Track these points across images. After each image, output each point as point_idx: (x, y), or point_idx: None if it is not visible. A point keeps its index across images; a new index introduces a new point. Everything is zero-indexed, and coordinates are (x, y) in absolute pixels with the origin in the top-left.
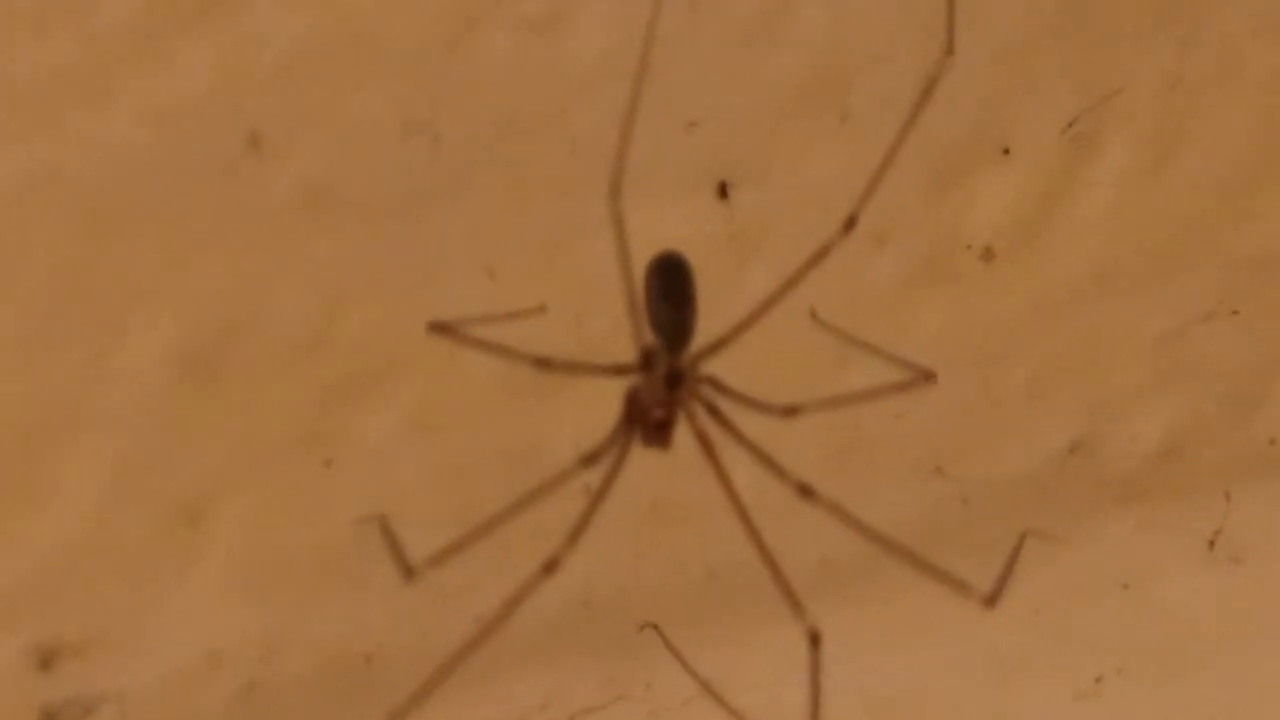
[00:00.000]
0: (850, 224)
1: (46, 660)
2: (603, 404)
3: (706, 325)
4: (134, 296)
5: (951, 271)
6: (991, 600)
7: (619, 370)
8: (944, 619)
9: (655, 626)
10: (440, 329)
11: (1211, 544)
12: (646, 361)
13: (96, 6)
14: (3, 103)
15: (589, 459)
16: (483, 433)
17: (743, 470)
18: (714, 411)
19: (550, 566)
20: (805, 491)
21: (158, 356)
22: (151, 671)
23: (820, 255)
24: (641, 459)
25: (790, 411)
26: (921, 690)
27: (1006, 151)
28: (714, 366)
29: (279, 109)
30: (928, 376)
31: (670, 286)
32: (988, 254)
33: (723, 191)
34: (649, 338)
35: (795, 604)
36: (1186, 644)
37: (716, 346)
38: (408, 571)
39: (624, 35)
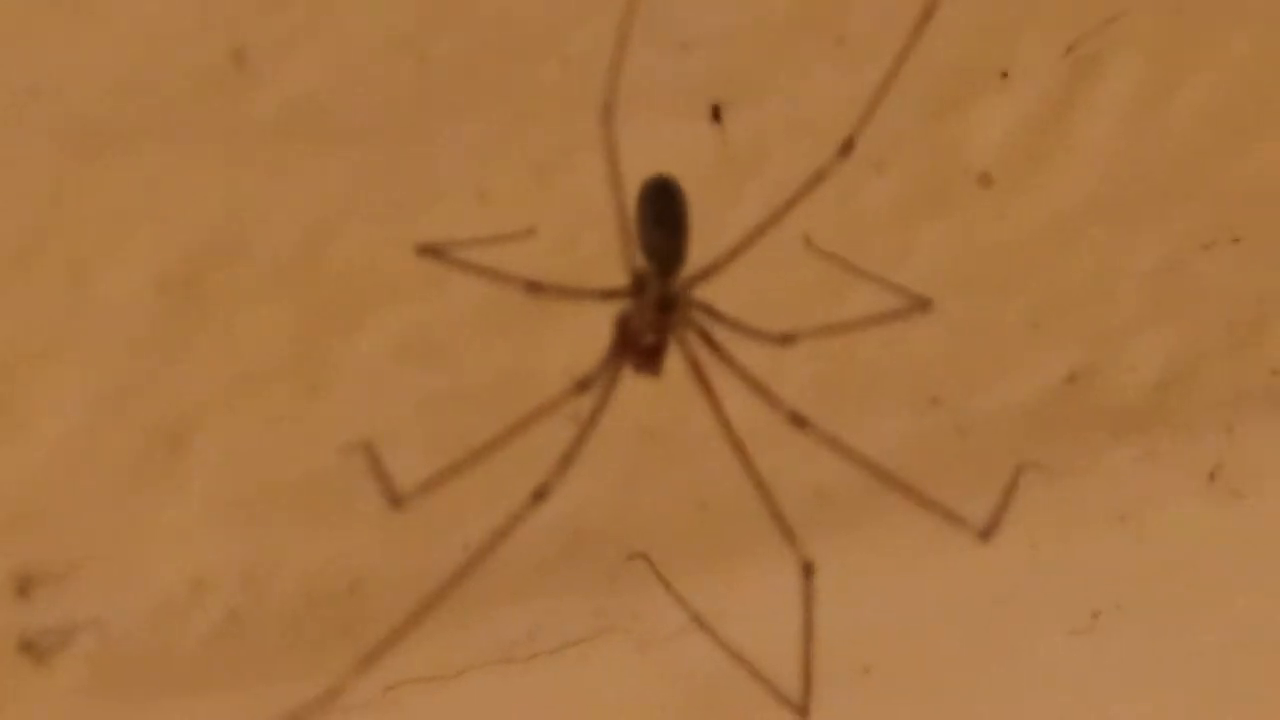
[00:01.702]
0: (847, 148)
1: (24, 587)
2: (594, 329)
3: (699, 250)
4: (116, 218)
5: (949, 198)
6: (987, 533)
7: (610, 295)
8: (939, 551)
9: (645, 556)
10: (429, 251)
11: (1212, 477)
12: (638, 286)
13: None
14: None
15: (580, 385)
16: (472, 358)
17: (735, 398)
18: (706, 338)
19: (540, 494)
20: (799, 421)
21: (140, 280)
22: (132, 600)
23: (816, 180)
24: (632, 386)
25: (785, 339)
26: (915, 623)
27: (1005, 75)
28: (707, 292)
29: (263, 25)
30: (924, 304)
31: (663, 210)
32: (986, 180)
33: (716, 114)
34: (641, 262)
35: (788, 534)
36: (1185, 579)
37: (709, 272)
38: (395, 499)
39: None
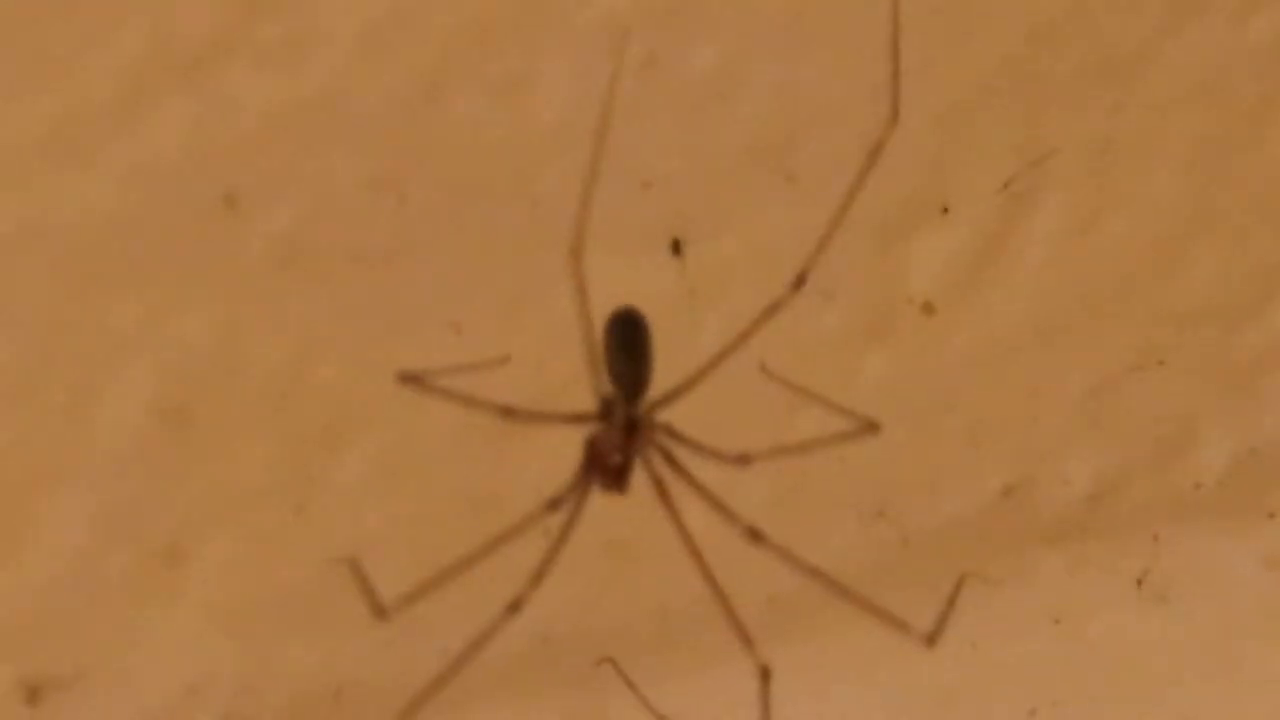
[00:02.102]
0: (800, 281)
1: (33, 695)
2: (564, 451)
3: (662, 376)
4: (114, 349)
5: (894, 325)
6: (932, 639)
7: (579, 419)
8: (887, 654)
9: (612, 661)
10: (408, 379)
11: (1140, 583)
12: (605, 411)
13: (79, 72)
14: None
15: (551, 504)
16: (449, 478)
17: (696, 513)
18: (669, 458)
19: (514, 606)
20: (754, 535)
21: (137, 406)
22: (134, 705)
23: (771, 310)
24: (600, 503)
25: (742, 459)
26: None
27: (946, 210)
28: (669, 415)
29: (254, 170)
30: (872, 426)
31: (628, 340)
32: (928, 308)
33: (677, 249)
34: (608, 388)
35: (746, 640)
36: (1115, 678)
37: (672, 396)
38: (379, 611)
39: (582, 99)
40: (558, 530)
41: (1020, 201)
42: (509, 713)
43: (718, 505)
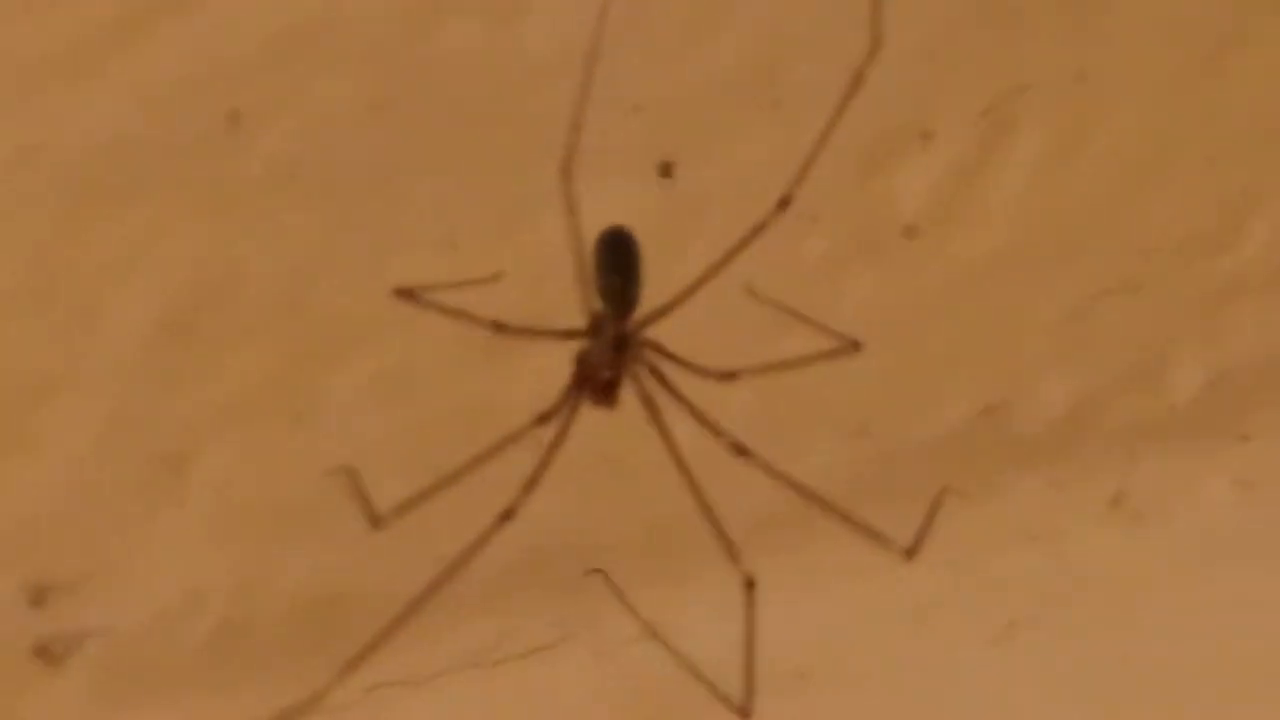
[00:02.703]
0: (784, 203)
1: (38, 597)
2: (554, 366)
3: (651, 295)
4: (118, 264)
5: (877, 247)
6: (911, 552)
7: (569, 335)
8: (868, 568)
9: (602, 571)
10: (404, 294)
11: (1115, 502)
12: (595, 327)
13: None
14: None
15: (542, 417)
16: (443, 391)
17: (683, 429)
18: (657, 374)
19: (506, 515)
20: (740, 450)
21: (140, 319)
22: (136, 608)
23: (756, 231)
24: (590, 417)
25: (728, 376)
26: (847, 633)
27: (928, 136)
28: (657, 333)
29: (256, 90)
30: (854, 345)
31: (617, 258)
32: (910, 231)
33: (666, 171)
34: (597, 305)
35: (732, 552)
36: (1090, 594)
37: (660, 314)
38: (374, 520)
39: (575, 25)
40: (548, 443)
41: (1000, 128)
42: (502, 620)
43: (704, 421)
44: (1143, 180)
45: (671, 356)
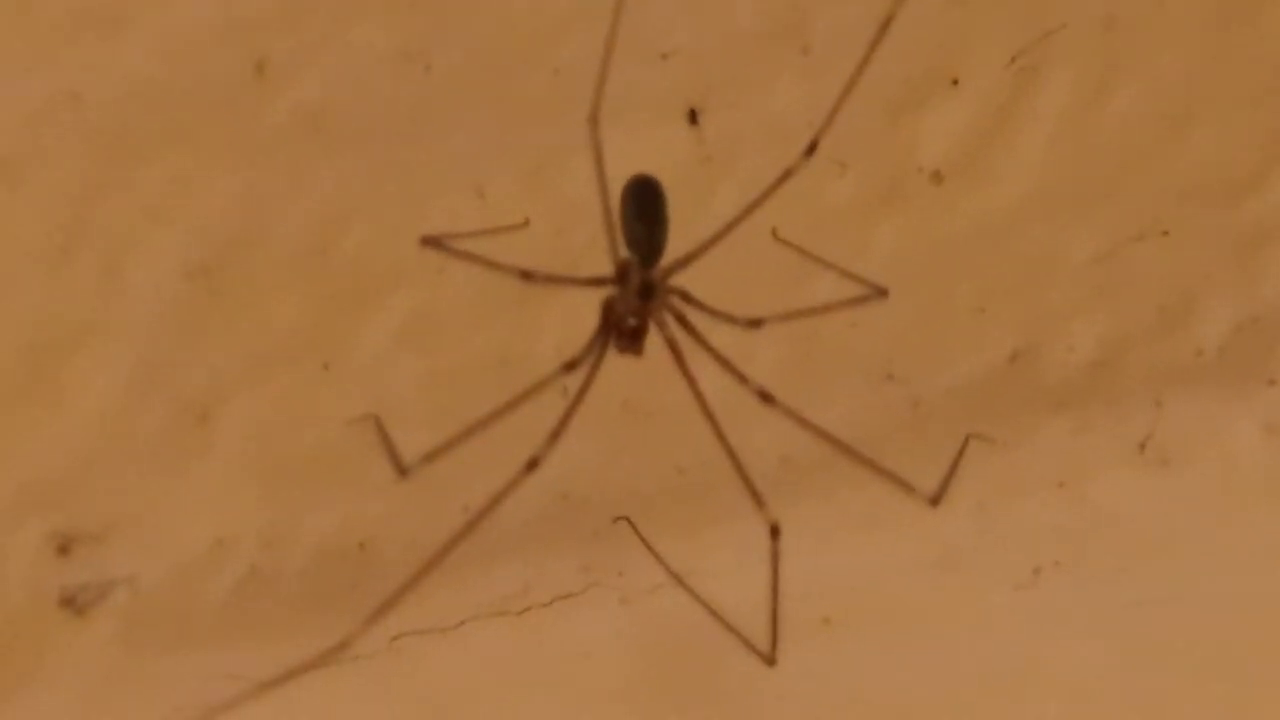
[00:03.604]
0: (811, 149)
1: (65, 546)
2: (581, 314)
3: (677, 242)
4: (146, 213)
5: (904, 194)
6: (937, 498)
7: (596, 282)
8: (893, 514)
9: (628, 519)
10: (431, 242)
11: (1142, 447)
12: (622, 275)
13: None
14: (25, 33)
15: (568, 365)
16: (470, 339)
17: (709, 376)
18: (683, 322)
19: (532, 464)
20: (765, 397)
21: (169, 268)
22: (162, 558)
23: (783, 178)
24: (616, 365)
25: (754, 323)
26: (872, 579)
27: (955, 83)
28: (684, 280)
29: (284, 39)
30: (881, 292)
31: (644, 206)
32: (937, 178)
33: (693, 118)
34: (624, 253)
35: (757, 499)
36: (1117, 540)
37: (686, 261)
38: (401, 468)
39: None
40: (575, 391)
41: (1028, 75)
42: (528, 568)
43: (730, 368)
44: (1170, 126)
45: (698, 304)
